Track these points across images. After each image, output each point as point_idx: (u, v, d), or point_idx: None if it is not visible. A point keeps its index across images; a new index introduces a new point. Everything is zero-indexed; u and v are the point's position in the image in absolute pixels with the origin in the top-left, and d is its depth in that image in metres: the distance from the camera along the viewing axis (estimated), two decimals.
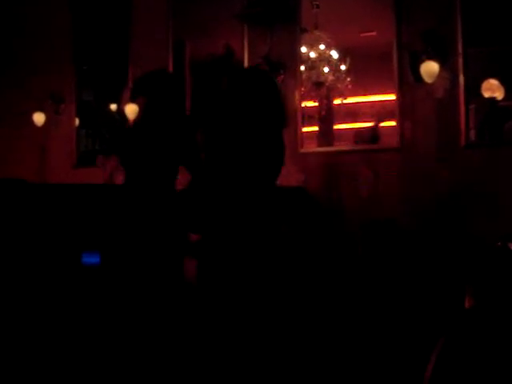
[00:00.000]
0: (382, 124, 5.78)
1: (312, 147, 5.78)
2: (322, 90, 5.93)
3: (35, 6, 7.19)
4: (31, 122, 7.02)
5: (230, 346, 2.17)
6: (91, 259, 4.04)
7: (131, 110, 6.49)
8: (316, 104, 6.03)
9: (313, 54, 5.86)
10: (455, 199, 4.98)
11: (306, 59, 5.84)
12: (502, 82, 4.96)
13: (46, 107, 6.97)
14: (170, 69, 6.39)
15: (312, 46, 5.87)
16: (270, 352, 2.15)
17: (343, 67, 5.82)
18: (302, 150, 5.67)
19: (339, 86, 5.88)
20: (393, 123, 5.35)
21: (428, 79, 5.03)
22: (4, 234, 3.83)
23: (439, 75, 5.01)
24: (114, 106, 6.95)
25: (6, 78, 7.42)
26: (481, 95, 5.00)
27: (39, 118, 7.02)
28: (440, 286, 4.42)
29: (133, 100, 3.45)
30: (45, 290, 3.72)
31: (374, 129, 5.71)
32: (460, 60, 4.99)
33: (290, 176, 5.62)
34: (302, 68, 5.79)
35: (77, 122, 7.03)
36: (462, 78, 5.00)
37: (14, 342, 3.49)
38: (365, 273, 4.92)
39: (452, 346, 1.82)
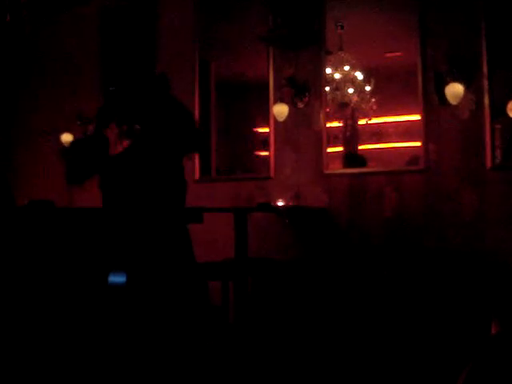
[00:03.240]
0: (406, 144, 5.78)
1: (337, 168, 5.79)
2: (347, 110, 5.95)
3: (65, 28, 7.33)
4: (59, 143, 7.14)
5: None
6: (118, 279, 4.08)
7: None
8: (341, 124, 6.05)
9: (337, 75, 5.89)
10: (480, 221, 4.95)
11: (330, 80, 5.87)
12: None
13: (74, 128, 7.07)
14: (196, 89, 6.46)
15: (337, 67, 5.90)
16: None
17: (368, 88, 5.84)
18: (327, 171, 5.69)
19: (364, 106, 5.89)
20: (418, 144, 5.34)
21: (453, 101, 5.03)
22: (32, 255, 3.89)
23: (464, 97, 5.01)
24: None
25: (36, 99, 7.56)
26: (506, 115, 4.99)
27: (67, 138, 7.13)
28: (466, 311, 4.39)
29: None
30: (70, 310, 3.76)
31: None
32: (485, 81, 4.98)
33: (314, 197, 5.67)
34: (327, 89, 5.82)
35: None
36: (487, 99, 4.99)
37: (39, 359, 3.52)
38: (391, 294, 4.91)
39: (478, 373, 1.82)
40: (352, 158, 5.94)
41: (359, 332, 4.66)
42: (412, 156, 5.60)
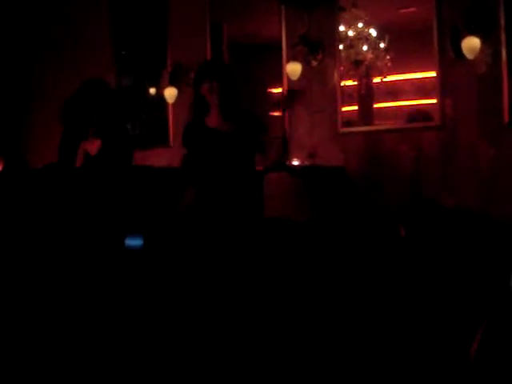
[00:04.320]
0: (422, 102, 5.71)
1: (352, 126, 5.74)
2: (361, 68, 5.86)
3: None
4: None
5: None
6: (135, 242, 4.09)
7: (170, 93, 6.57)
8: (355, 83, 5.98)
9: (351, 33, 5.80)
10: (498, 178, 4.90)
11: (344, 38, 5.78)
12: None
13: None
14: (208, 52, 6.40)
15: (350, 24, 5.80)
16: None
17: (382, 45, 5.74)
18: (343, 130, 5.64)
19: (378, 64, 5.80)
20: (434, 101, 5.27)
21: (469, 55, 4.94)
22: (49, 216, 3.90)
23: (481, 51, 4.91)
24: (153, 90, 7.00)
25: (46, 64, 7.53)
26: None
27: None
28: (484, 267, 4.37)
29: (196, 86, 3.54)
30: (88, 272, 3.78)
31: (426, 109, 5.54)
32: (503, 34, 4.87)
33: (329, 156, 5.63)
34: (341, 47, 5.75)
35: None
36: (504, 53, 4.88)
37: (61, 318, 3.56)
38: (408, 253, 4.89)
39: (496, 327, 1.81)
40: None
41: (378, 292, 4.66)
42: (414, 111, 5.56)
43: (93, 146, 3.84)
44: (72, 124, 3.99)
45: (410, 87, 5.83)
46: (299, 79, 5.79)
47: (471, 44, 4.91)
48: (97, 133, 3.89)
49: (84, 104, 3.94)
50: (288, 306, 4.08)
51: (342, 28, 5.76)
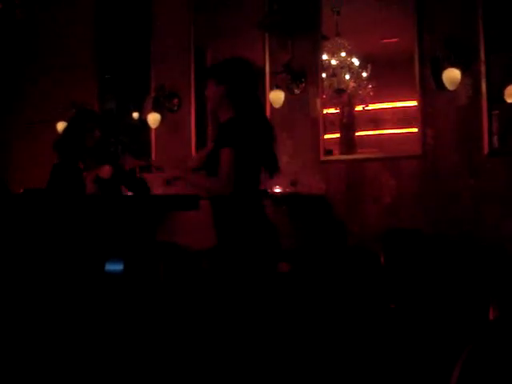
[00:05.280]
0: (403, 131, 5.76)
1: (334, 155, 5.78)
2: (344, 96, 5.91)
3: (60, 16, 7.27)
4: (55, 131, 7.10)
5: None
6: (115, 267, 4.06)
7: (153, 118, 6.58)
8: (337, 111, 6.02)
9: (334, 62, 5.85)
10: (478, 207, 4.94)
11: (327, 66, 5.84)
12: None
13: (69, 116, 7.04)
14: (192, 77, 6.42)
15: (333, 53, 5.86)
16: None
17: (364, 74, 5.80)
18: (324, 158, 5.67)
19: (361, 92, 5.86)
20: (415, 130, 5.32)
21: (450, 86, 5.01)
22: (27, 243, 3.86)
23: (461, 82, 4.99)
24: (136, 115, 7.00)
25: (30, 87, 7.51)
26: (504, 101, 4.97)
27: (62, 126, 7.09)
28: (465, 296, 4.39)
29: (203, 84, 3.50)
30: (67, 297, 3.74)
31: None
32: (482, 66, 4.96)
33: (311, 183, 5.65)
34: (324, 75, 5.80)
35: None
36: (484, 85, 4.96)
37: (34, 349, 3.51)
38: (388, 282, 4.89)
39: (477, 357, 1.81)
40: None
41: (359, 317, 4.65)
42: None
43: (105, 171, 3.97)
44: (68, 153, 4.08)
45: (391, 116, 5.88)
46: (282, 107, 5.82)
47: (452, 75, 4.98)
48: (102, 159, 4.01)
49: (79, 133, 4.07)
50: (266, 332, 4.06)
51: (325, 57, 5.81)
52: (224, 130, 3.13)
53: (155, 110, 6.54)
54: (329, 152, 5.79)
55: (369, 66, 5.77)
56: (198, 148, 6.26)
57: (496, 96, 4.99)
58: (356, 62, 5.87)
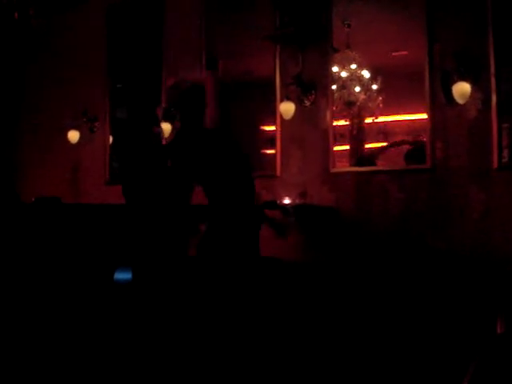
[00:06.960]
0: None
1: (343, 166, 5.79)
2: (354, 109, 5.93)
3: (72, 25, 7.33)
4: (66, 140, 7.17)
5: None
6: (123, 276, 4.08)
7: (164, 128, 6.61)
8: (347, 123, 6.04)
9: (344, 74, 5.87)
10: (487, 221, 4.93)
11: (337, 79, 5.86)
12: None
13: (81, 125, 7.10)
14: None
15: (343, 65, 5.88)
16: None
17: (375, 86, 5.82)
18: (334, 170, 5.68)
19: (370, 105, 5.87)
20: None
21: (460, 100, 5.01)
22: (40, 251, 3.89)
23: (471, 96, 4.99)
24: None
25: (43, 96, 7.57)
26: None
27: (73, 135, 7.16)
28: (472, 311, 4.38)
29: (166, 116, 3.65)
30: (77, 305, 3.77)
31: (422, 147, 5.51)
32: (493, 80, 4.95)
33: (320, 195, 5.66)
34: (334, 87, 5.82)
35: (110, 139, 7.14)
36: (494, 98, 4.95)
37: (40, 352, 3.53)
38: (397, 293, 4.89)
39: (484, 371, 1.82)
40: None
41: (365, 332, 4.65)
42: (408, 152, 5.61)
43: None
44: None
45: (401, 129, 5.89)
46: (292, 118, 5.85)
47: (462, 89, 4.99)
48: None
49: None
50: (279, 345, 4.07)
51: (335, 69, 5.83)
52: None
53: (166, 120, 6.56)
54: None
55: (379, 78, 5.79)
56: None
57: (506, 109, 4.98)
58: (366, 74, 5.89)
